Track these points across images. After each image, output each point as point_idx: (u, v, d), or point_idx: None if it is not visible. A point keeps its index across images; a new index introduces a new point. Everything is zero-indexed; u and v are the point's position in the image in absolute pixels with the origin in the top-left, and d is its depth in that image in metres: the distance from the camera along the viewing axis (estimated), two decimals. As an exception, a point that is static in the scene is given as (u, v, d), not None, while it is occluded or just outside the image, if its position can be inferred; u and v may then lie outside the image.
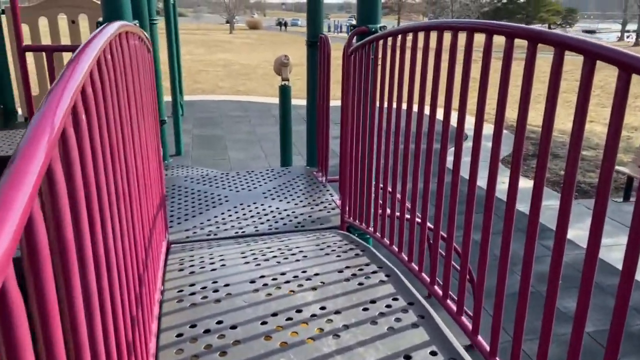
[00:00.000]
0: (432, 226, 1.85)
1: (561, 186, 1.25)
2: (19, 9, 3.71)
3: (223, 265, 1.95)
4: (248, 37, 45.84)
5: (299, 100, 11.94)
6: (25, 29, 3.77)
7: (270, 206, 2.84)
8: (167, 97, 7.40)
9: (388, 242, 2.08)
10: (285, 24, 65.04)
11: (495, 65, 1.27)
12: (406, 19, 75.06)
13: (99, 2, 3.95)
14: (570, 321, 1.22)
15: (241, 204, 2.87)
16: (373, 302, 1.68)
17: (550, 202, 5.40)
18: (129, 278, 1.21)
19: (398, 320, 1.58)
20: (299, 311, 1.61)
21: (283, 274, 1.86)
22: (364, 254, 2.04)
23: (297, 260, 1.98)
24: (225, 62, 21.74)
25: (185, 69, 18.10)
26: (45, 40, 3.81)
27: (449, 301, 1.66)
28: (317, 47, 3.26)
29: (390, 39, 1.96)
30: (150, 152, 1.79)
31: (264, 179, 3.30)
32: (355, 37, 2.44)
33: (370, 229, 2.24)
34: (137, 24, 2.17)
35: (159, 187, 2.01)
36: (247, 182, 3.23)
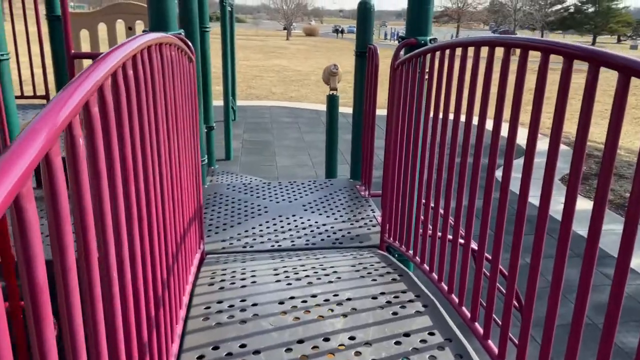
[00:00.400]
0: (475, 246, 1.72)
1: (626, 209, 1.11)
2: (79, 15, 3.87)
3: (254, 282, 1.90)
4: (303, 43, 46.38)
5: (350, 109, 11.85)
6: (84, 34, 3.93)
7: (309, 220, 2.78)
8: (219, 102, 7.57)
9: (427, 267, 1.95)
10: (342, 31, 65.33)
11: (553, 77, 1.15)
12: (466, 28, 73.53)
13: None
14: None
15: (280, 216, 2.82)
16: (407, 335, 1.56)
17: (613, 227, 5.02)
18: (155, 295, 1.17)
19: (433, 358, 1.45)
20: (326, 339, 1.53)
21: (314, 296, 1.77)
22: (401, 279, 1.93)
23: (330, 282, 1.89)
24: (279, 68, 22.04)
25: (241, 74, 18.53)
26: (104, 46, 3.94)
27: (490, 342, 1.52)
28: (365, 57, 3.18)
29: (438, 53, 1.84)
30: (186, 160, 1.77)
31: (305, 191, 3.24)
32: (403, 49, 2.34)
33: (409, 252, 2.12)
34: (182, 34, 2.17)
35: (194, 196, 1.99)
36: (288, 193, 3.18)
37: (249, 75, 18.41)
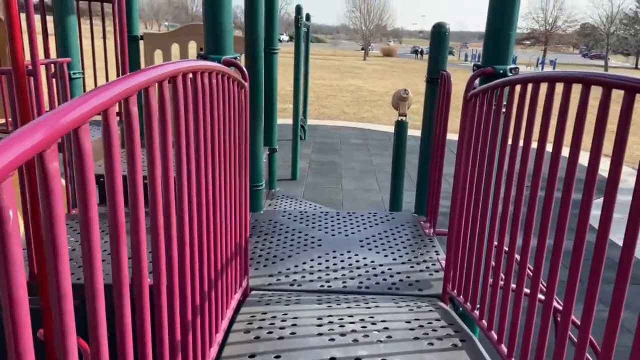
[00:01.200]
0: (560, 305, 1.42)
1: None
2: (154, 36, 3.96)
3: (293, 332, 1.71)
4: (380, 63, 46.33)
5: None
6: (158, 53, 4.02)
7: (364, 258, 2.56)
8: (290, 121, 7.55)
9: (496, 336, 1.66)
10: (422, 52, 64.63)
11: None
12: (554, 51, 70.14)
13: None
14: None
15: (334, 251, 2.62)
16: None
17: None
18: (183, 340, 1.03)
19: None
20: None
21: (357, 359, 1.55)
22: (464, 346, 1.66)
23: (379, 342, 1.66)
24: (354, 88, 22.05)
25: (315, 93, 18.70)
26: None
27: None
28: (437, 84, 2.94)
29: (519, 86, 1.58)
30: (229, 189, 1.64)
31: (364, 224, 3.02)
32: (478, 79, 2.08)
33: (475, 312, 1.84)
34: (238, 57, 2.07)
35: (237, 230, 1.85)
36: (345, 225, 2.98)
37: (322, 95, 18.54)
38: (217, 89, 1.36)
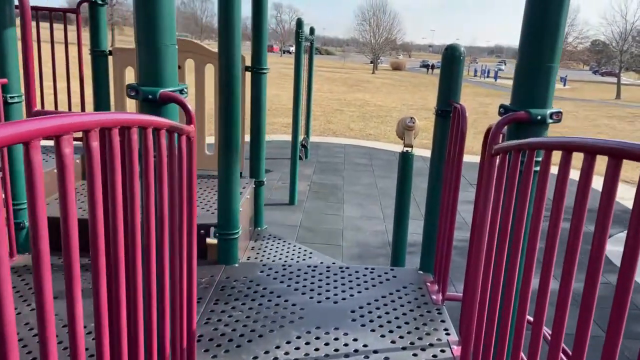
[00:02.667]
0: None
1: None
2: (124, 51, 3.49)
3: None
4: (389, 77, 45.99)
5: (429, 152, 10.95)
6: (130, 70, 3.53)
7: (355, 340, 2.02)
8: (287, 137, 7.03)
9: None
10: (432, 67, 64.23)
11: None
12: (563, 67, 69.58)
13: (209, 48, 3.59)
14: None
15: (318, 328, 2.09)
16: None
17: None
18: None
19: None
20: None
21: None
22: None
23: None
24: (361, 102, 21.61)
25: (322, 108, 18.26)
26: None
27: None
28: (449, 117, 2.42)
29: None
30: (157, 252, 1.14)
31: (358, 285, 2.48)
32: (506, 127, 1.56)
33: None
34: (186, 89, 1.55)
35: (175, 307, 1.34)
36: (336, 287, 2.45)
37: (329, 109, 18.10)
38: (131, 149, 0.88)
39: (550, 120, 1.52)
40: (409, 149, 3.53)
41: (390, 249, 5.39)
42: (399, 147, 12.72)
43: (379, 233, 5.91)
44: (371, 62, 58.35)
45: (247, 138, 3.50)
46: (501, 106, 1.66)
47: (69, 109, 3.49)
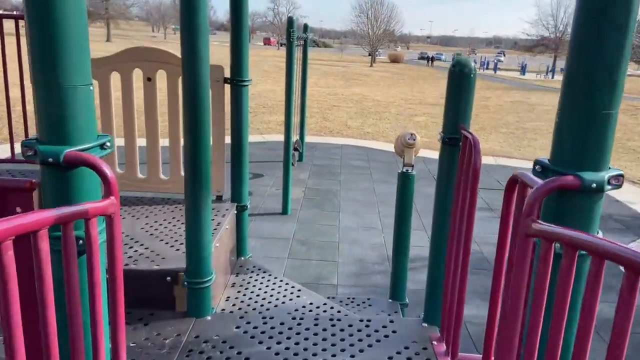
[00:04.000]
0: None
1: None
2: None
3: None
4: (387, 70, 45.46)
5: (430, 152, 10.56)
6: (94, 85, 3.13)
7: None
8: (281, 137, 6.61)
9: None
10: (432, 59, 63.62)
11: None
12: (564, 57, 68.98)
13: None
14: None
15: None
16: None
17: None
18: None
19: None
20: None
21: None
22: None
23: None
24: (359, 97, 21.17)
25: (319, 103, 17.83)
26: (118, 102, 3.11)
27: None
28: (457, 146, 2.03)
29: None
30: None
31: (351, 344, 2.10)
32: (542, 196, 1.14)
33: None
34: (108, 142, 1.15)
35: None
36: (324, 349, 2.07)
37: (326, 105, 17.68)
38: None
39: (609, 187, 1.11)
40: (409, 169, 3.14)
41: (389, 265, 5.03)
42: (397, 149, 11.94)
43: (376, 246, 5.53)
44: (369, 55, 57.71)
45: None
46: (537, 163, 1.25)
47: (26, 134, 3.10)
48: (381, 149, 10.61)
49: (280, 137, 10.42)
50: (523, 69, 49.77)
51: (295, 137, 8.06)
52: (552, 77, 44.61)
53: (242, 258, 3.26)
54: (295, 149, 7.96)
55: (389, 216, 6.44)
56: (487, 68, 56.08)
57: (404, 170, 3.15)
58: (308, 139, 10.41)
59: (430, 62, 62.33)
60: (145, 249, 2.43)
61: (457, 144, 2.02)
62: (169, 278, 2.23)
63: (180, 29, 1.96)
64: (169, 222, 2.80)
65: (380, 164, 9.25)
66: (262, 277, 2.96)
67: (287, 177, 6.49)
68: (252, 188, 7.31)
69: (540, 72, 51.39)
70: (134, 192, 3.28)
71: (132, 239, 2.54)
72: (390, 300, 3.26)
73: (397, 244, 3.17)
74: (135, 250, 2.40)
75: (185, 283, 2.17)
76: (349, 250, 5.39)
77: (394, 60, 61.51)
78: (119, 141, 3.15)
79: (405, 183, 3.14)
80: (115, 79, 3.06)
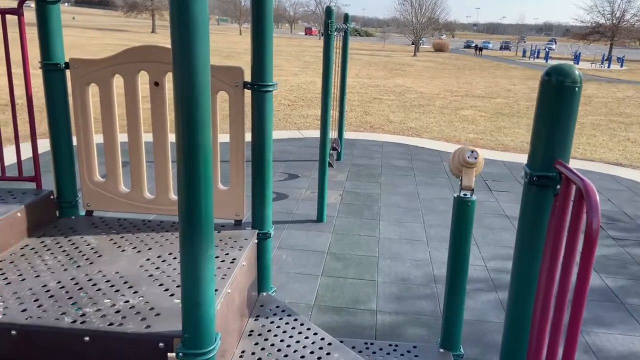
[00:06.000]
0: None
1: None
2: (89, 63, 2.63)
3: None
4: (432, 60, 44.04)
5: (499, 154, 9.73)
6: (94, 89, 2.70)
7: None
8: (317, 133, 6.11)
9: None
10: (480, 48, 61.49)
11: None
12: (620, 46, 65.09)
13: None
14: None
15: None
16: None
17: None
18: None
19: None
20: None
21: None
22: None
23: None
24: (402, 89, 20.36)
25: (360, 96, 17.18)
26: (122, 107, 2.66)
27: None
28: (551, 189, 1.43)
29: None
30: None
31: None
32: None
33: None
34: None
35: None
36: None
37: (367, 97, 17.02)
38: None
39: None
40: (468, 193, 2.55)
41: (436, 288, 4.44)
42: (442, 145, 11.51)
43: (421, 264, 4.94)
44: (412, 44, 56.14)
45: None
46: None
47: (16, 143, 2.69)
48: (424, 146, 9.92)
49: (316, 133, 9.86)
50: (577, 58, 47.10)
51: (333, 135, 7.50)
52: (609, 67, 41.91)
53: (264, 294, 2.76)
54: (334, 149, 7.40)
55: (434, 226, 5.83)
56: (537, 57, 53.52)
57: (462, 194, 2.56)
58: (347, 135, 9.85)
59: (479, 51, 60.16)
60: (140, 298, 1.96)
61: (552, 186, 1.42)
62: (161, 344, 1.75)
63: (170, 16, 1.43)
64: (174, 258, 2.33)
65: (425, 163, 8.60)
66: (287, 324, 2.45)
67: (323, 180, 5.97)
68: (287, 190, 6.84)
69: (595, 60, 48.57)
70: (141, 214, 2.83)
71: (125, 282, 2.09)
72: (442, 350, 2.70)
73: (450, 284, 2.59)
74: (126, 301, 1.94)
75: (180, 354, 1.69)
76: (389, 268, 4.83)
77: (439, 49, 59.69)
78: (124, 156, 2.71)
79: (462, 210, 2.56)
80: (117, 82, 2.60)
